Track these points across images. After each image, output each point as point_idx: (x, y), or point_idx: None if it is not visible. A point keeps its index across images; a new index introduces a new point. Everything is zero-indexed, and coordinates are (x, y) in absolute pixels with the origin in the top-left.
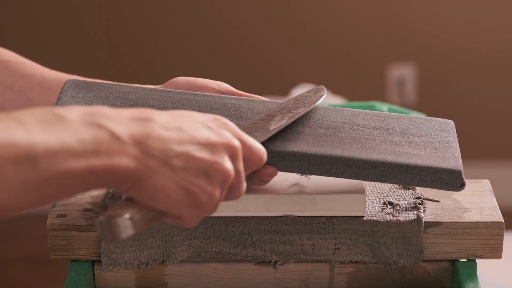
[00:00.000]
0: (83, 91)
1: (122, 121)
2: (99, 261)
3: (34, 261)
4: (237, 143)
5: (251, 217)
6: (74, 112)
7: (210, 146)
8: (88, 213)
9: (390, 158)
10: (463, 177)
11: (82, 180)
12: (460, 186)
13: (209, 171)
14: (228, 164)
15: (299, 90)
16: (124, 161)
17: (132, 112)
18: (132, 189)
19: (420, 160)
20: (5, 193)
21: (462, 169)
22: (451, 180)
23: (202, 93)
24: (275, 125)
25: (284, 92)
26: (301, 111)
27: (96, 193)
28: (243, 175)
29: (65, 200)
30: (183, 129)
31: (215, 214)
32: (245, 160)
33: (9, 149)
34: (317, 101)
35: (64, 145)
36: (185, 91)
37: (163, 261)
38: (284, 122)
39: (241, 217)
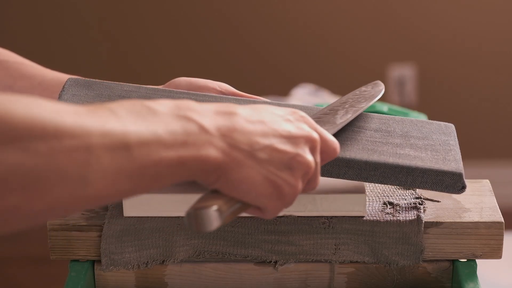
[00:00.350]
0: (85, 89)
1: (208, 114)
2: (99, 261)
3: (34, 261)
4: (316, 136)
5: (251, 217)
6: (163, 105)
7: (291, 138)
8: (88, 213)
9: (391, 160)
10: (464, 179)
11: (172, 171)
12: (461, 188)
13: (292, 163)
14: (309, 156)
15: (299, 90)
16: (212, 152)
17: (216, 106)
18: (219, 181)
19: (421, 162)
20: (101, 180)
21: (463, 171)
22: (452, 183)
23: (204, 93)
24: (341, 119)
25: (284, 92)
26: (364, 105)
27: None
28: (319, 167)
29: None
30: (265, 122)
31: None
32: (320, 152)
33: (104, 137)
34: (378, 95)
35: (155, 135)
36: (186, 91)
37: (163, 261)
38: (349, 116)
39: (241, 217)
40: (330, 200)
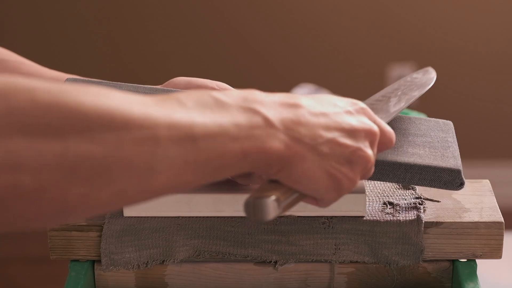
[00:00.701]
0: None
1: (273, 106)
2: (99, 261)
3: (34, 261)
4: (376, 129)
5: None
6: (230, 96)
7: (353, 132)
8: None
9: (389, 157)
10: (463, 176)
11: (236, 162)
12: (459, 185)
13: (353, 157)
14: (369, 151)
15: (299, 90)
16: (276, 145)
17: (281, 98)
18: (280, 173)
19: (419, 159)
20: (167, 172)
21: (461, 168)
22: (450, 179)
23: None
24: (394, 107)
25: (284, 92)
26: (416, 94)
27: None
28: (375, 158)
29: None
30: (327, 115)
31: (215, 214)
32: (378, 143)
33: (171, 129)
34: (430, 83)
35: (221, 128)
36: (185, 90)
37: (163, 261)
38: (402, 105)
39: (241, 217)
40: None
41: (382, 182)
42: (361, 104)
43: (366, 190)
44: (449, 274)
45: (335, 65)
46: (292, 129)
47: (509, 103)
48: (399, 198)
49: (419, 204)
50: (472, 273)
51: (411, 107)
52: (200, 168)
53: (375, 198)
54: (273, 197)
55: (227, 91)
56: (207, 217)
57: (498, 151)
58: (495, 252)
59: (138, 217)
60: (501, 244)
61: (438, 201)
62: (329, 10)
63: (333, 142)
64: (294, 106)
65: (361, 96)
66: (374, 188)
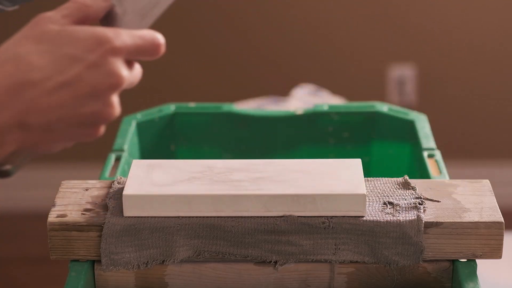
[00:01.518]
0: None
1: (0, 103)
2: (99, 261)
3: (34, 261)
4: (122, 75)
5: (251, 217)
6: None
7: (93, 94)
8: (88, 213)
9: None
10: None
11: None
12: None
13: (94, 120)
14: (112, 109)
15: (299, 90)
16: (6, 150)
17: (12, 79)
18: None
19: None
20: None
21: None
22: None
23: None
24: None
25: (284, 92)
26: None
27: (96, 193)
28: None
29: (65, 200)
30: (62, 85)
31: (215, 214)
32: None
33: None
34: None
35: None
36: None
37: (163, 261)
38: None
39: (241, 217)
40: (330, 200)
41: (382, 182)
42: (109, 41)
43: (366, 190)
44: (449, 274)
45: (335, 65)
46: (22, 123)
47: (509, 103)
48: (399, 198)
49: (419, 204)
50: (472, 273)
51: (410, 107)
52: None
53: (375, 198)
54: (9, 166)
55: None
56: (207, 217)
57: (498, 151)
58: (495, 252)
59: (138, 217)
60: (501, 244)
61: (438, 201)
62: (330, 10)
63: (69, 117)
64: (26, 85)
65: (361, 96)
66: (374, 188)
